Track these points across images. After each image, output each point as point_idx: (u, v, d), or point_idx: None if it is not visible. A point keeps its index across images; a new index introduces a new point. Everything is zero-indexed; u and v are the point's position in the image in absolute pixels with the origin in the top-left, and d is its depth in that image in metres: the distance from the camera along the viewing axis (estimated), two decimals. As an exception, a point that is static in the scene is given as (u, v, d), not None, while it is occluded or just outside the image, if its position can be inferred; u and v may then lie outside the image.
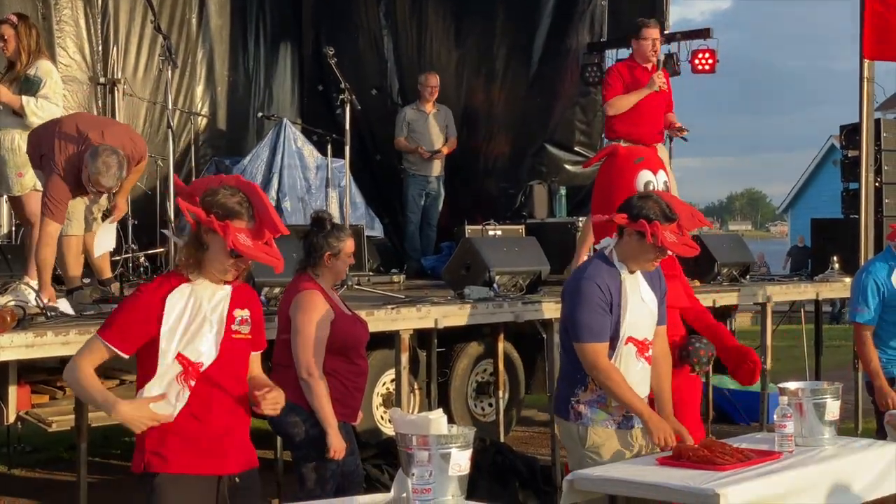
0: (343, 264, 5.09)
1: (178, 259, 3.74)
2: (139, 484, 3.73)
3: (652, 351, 4.83)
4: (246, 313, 3.78)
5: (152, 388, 3.64)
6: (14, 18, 6.77)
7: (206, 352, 3.67)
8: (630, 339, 4.71)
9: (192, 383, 3.65)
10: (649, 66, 8.13)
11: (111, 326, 3.66)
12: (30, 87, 6.59)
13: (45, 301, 5.74)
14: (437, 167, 10.66)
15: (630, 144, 7.36)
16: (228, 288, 3.74)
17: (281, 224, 3.68)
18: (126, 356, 3.67)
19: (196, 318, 3.66)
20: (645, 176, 6.80)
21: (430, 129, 10.59)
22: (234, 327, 3.74)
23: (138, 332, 3.63)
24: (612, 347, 4.69)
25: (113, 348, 3.63)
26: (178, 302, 3.65)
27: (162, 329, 3.62)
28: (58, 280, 8.30)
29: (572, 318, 4.71)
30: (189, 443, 3.67)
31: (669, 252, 4.72)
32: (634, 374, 4.73)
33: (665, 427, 4.63)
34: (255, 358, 3.88)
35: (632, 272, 4.74)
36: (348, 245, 5.08)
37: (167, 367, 3.63)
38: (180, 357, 3.64)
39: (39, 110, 6.59)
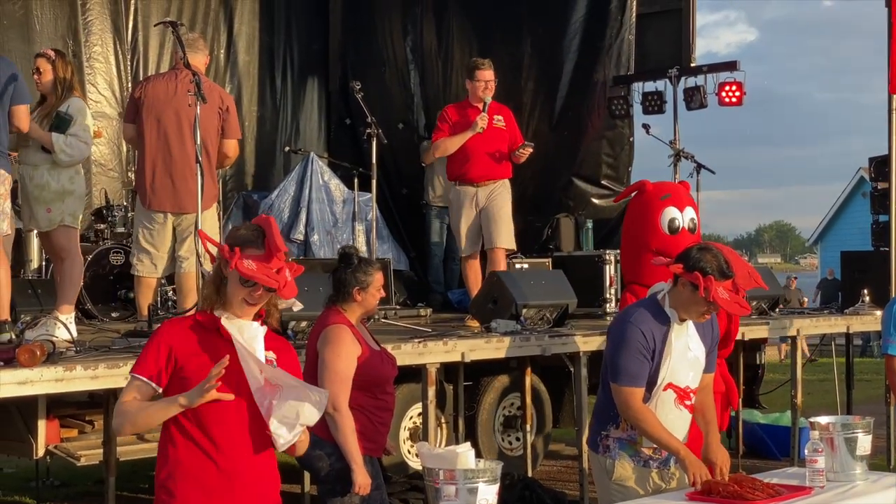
0: (372, 298, 5.06)
1: (202, 294, 3.74)
2: None
3: (696, 399, 4.79)
4: (272, 355, 3.73)
5: None
6: (51, 53, 6.82)
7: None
8: (670, 385, 4.67)
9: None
10: (481, 105, 8.23)
11: (137, 360, 3.64)
12: (60, 123, 6.62)
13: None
14: None
15: (657, 181, 7.35)
16: (260, 328, 3.70)
17: (282, 243, 3.67)
18: (161, 389, 3.62)
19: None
20: (670, 213, 6.80)
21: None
22: None
23: (154, 360, 3.60)
24: (650, 391, 4.66)
25: (148, 382, 3.59)
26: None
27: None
28: (86, 314, 8.39)
29: (612, 359, 4.70)
30: (196, 479, 3.62)
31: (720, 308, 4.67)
32: (671, 420, 4.69)
33: (699, 465, 4.59)
34: None
35: (682, 320, 4.71)
36: (377, 279, 5.06)
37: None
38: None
39: (69, 148, 6.63)
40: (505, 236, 8.23)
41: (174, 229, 6.89)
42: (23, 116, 6.28)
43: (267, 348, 3.71)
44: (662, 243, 6.59)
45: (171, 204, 6.84)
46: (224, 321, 3.63)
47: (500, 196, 8.33)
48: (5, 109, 6.19)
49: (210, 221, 6.92)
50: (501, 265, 8.23)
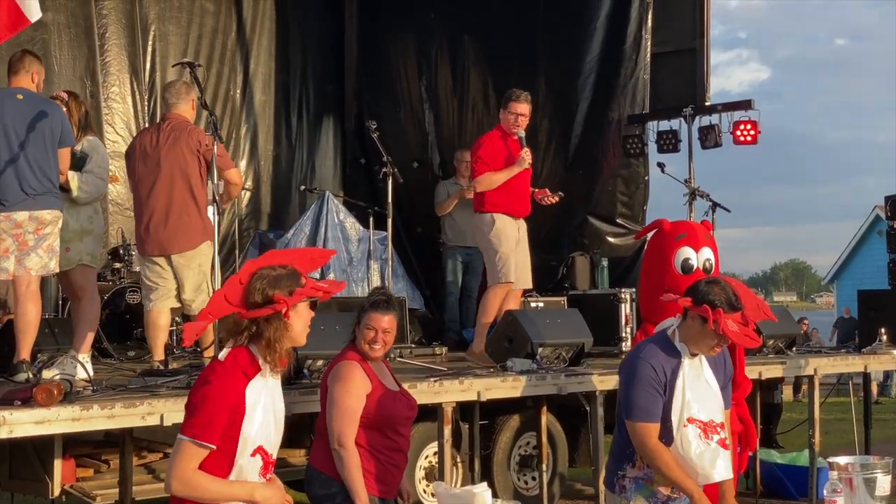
0: (360, 336, 4.98)
1: (269, 358, 3.67)
2: None
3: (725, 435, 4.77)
4: None
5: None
6: (64, 95, 6.91)
7: (275, 442, 3.72)
8: (690, 419, 4.65)
9: (269, 477, 3.71)
10: (516, 138, 8.19)
11: (200, 425, 3.57)
12: (76, 162, 6.68)
13: None
14: (475, 238, 10.70)
15: (676, 220, 7.34)
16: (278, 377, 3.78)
17: (317, 250, 3.79)
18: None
19: (272, 413, 3.70)
20: (684, 253, 6.79)
21: (465, 204, 10.65)
22: None
23: (222, 423, 3.57)
24: (671, 429, 4.64)
25: (209, 445, 3.56)
26: (258, 395, 3.65)
27: (245, 422, 3.59)
28: (102, 353, 8.40)
29: (626, 396, 4.70)
30: None
31: (731, 340, 4.67)
32: (698, 456, 4.66)
33: None
34: None
35: (693, 355, 4.70)
36: (367, 316, 4.96)
37: (247, 461, 3.62)
38: (262, 451, 3.64)
39: (85, 185, 6.69)
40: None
41: (173, 271, 7.02)
42: (65, 158, 6.48)
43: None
44: (675, 283, 6.58)
45: (158, 248, 6.99)
46: (262, 382, 3.67)
47: (527, 238, 8.43)
48: (56, 151, 6.32)
49: (204, 258, 6.99)
50: (514, 302, 8.35)
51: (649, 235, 7.32)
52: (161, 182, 6.91)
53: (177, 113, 7.05)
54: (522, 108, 8.20)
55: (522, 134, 8.21)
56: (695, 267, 6.76)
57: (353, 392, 4.86)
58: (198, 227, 6.95)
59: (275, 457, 3.75)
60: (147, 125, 10.95)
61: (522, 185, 8.29)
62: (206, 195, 6.93)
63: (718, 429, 4.73)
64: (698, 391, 4.68)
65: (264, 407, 3.65)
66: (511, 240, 8.22)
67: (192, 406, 3.62)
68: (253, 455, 3.61)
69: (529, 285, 8.42)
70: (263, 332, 3.64)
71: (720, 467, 4.72)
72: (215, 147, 6.38)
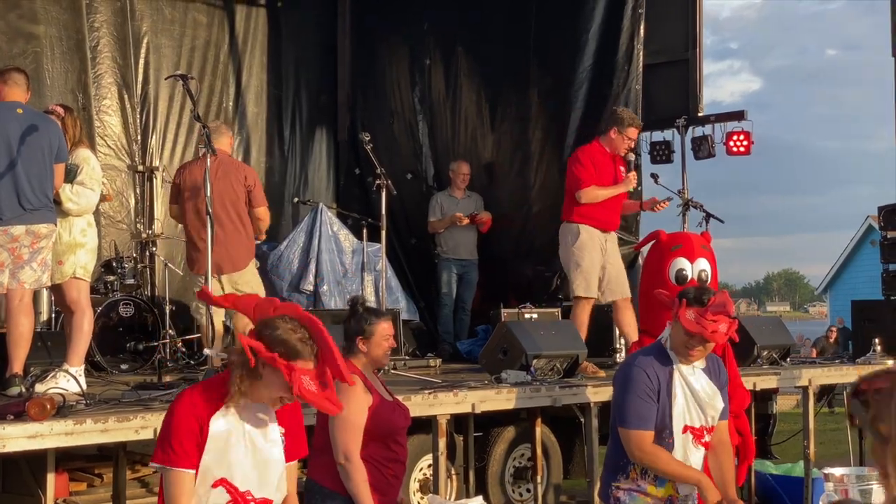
0: (377, 348, 5.00)
1: (232, 387, 3.50)
2: None
3: (711, 439, 4.83)
4: (282, 429, 3.66)
5: None
6: (61, 110, 6.90)
7: (253, 479, 3.54)
8: (686, 427, 4.73)
9: None
10: (623, 160, 8.42)
11: (183, 453, 3.45)
12: (66, 174, 6.68)
13: None
14: (470, 251, 10.71)
15: (674, 231, 7.39)
16: (272, 409, 3.62)
17: (347, 372, 3.55)
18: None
19: (247, 447, 3.53)
20: (679, 264, 6.81)
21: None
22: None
23: (195, 447, 3.47)
24: (670, 437, 4.68)
25: (186, 470, 3.45)
26: (229, 424, 3.51)
27: (205, 454, 3.46)
28: (95, 367, 8.37)
29: (619, 404, 4.75)
30: None
31: (708, 341, 4.70)
32: (696, 462, 4.78)
33: (716, 494, 4.69)
34: (292, 470, 3.74)
35: (687, 363, 4.74)
36: (380, 328, 5.00)
37: (206, 491, 3.48)
38: (226, 484, 3.49)
39: (75, 196, 6.67)
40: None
41: (221, 288, 7.71)
42: (60, 174, 6.50)
43: (281, 423, 3.65)
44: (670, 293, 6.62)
45: (213, 268, 7.29)
46: (234, 415, 3.52)
47: (617, 249, 8.61)
48: (52, 167, 6.33)
49: (252, 275, 8.14)
50: (632, 311, 8.38)
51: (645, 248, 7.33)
52: (214, 210, 7.26)
53: (220, 149, 7.73)
54: (636, 133, 8.52)
55: (632, 157, 8.49)
56: (689, 277, 6.78)
57: (356, 406, 4.85)
58: (246, 249, 8.04)
59: (259, 496, 3.55)
60: (140, 136, 10.98)
61: (617, 201, 8.47)
62: (249, 221, 8.01)
63: (705, 433, 4.83)
64: (695, 399, 4.73)
65: (237, 439, 3.51)
66: (594, 253, 8.33)
67: (163, 429, 3.54)
68: (214, 486, 3.47)
69: (628, 294, 8.44)
70: (259, 371, 3.48)
71: (701, 465, 4.85)
72: (207, 161, 6.40)
